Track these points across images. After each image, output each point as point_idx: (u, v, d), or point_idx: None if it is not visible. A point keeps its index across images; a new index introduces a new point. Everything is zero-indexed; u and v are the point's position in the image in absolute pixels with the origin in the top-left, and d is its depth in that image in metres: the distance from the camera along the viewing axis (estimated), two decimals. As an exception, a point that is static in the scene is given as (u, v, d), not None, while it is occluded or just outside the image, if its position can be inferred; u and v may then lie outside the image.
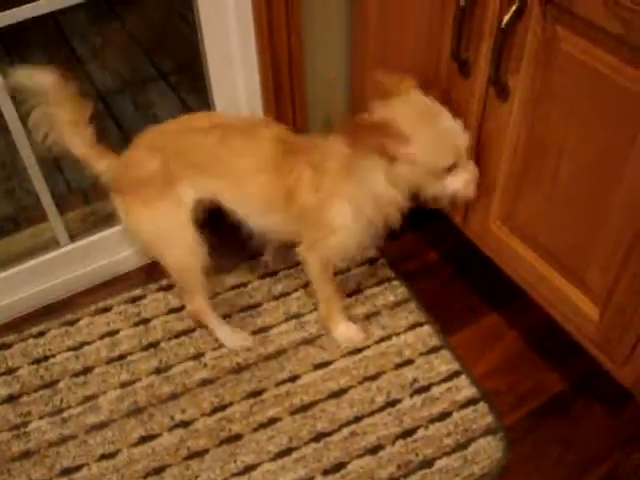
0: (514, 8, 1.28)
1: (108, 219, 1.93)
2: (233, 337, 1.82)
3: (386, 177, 1.44)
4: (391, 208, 1.52)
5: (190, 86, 2.66)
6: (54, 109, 1.52)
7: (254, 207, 1.64)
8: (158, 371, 1.78)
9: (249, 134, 1.58)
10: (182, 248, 1.64)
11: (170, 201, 1.59)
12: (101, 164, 1.62)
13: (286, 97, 1.94)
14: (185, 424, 1.67)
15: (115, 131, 2.48)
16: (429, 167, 1.42)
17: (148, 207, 1.60)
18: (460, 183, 1.48)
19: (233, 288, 1.95)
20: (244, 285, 1.96)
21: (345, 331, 1.82)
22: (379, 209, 1.52)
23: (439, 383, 1.73)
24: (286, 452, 1.62)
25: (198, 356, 1.80)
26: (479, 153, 1.57)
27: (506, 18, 1.30)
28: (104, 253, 1.95)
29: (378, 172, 1.44)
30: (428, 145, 1.40)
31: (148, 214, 1.61)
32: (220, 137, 1.56)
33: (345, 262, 1.81)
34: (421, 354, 1.79)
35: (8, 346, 1.84)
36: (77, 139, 1.58)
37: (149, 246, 1.71)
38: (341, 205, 1.54)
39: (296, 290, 1.94)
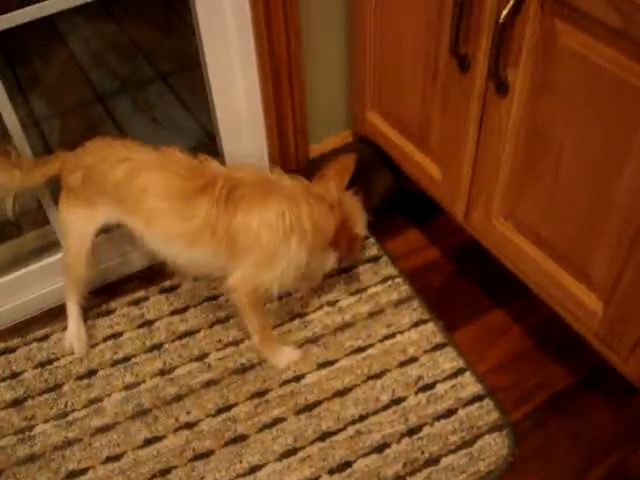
0: (512, 2, 1.28)
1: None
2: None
3: None
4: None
5: (189, 87, 2.66)
6: None
7: (177, 244, 1.63)
8: (162, 373, 1.78)
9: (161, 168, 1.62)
10: (77, 256, 1.74)
11: (84, 214, 1.70)
12: (53, 169, 1.70)
13: (286, 98, 1.94)
14: (190, 425, 1.67)
15: (116, 133, 2.48)
16: None
17: (70, 208, 1.71)
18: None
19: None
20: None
21: (283, 356, 1.78)
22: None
23: (444, 380, 1.72)
24: (292, 452, 1.62)
25: (202, 357, 1.80)
26: (480, 149, 1.57)
27: (504, 12, 1.30)
28: (107, 255, 1.95)
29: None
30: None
31: (68, 214, 1.72)
32: (128, 171, 1.60)
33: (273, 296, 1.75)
34: (425, 352, 1.78)
35: (12, 350, 1.84)
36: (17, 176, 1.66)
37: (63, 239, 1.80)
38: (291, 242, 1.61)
39: (297, 291, 1.94)
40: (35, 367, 1.80)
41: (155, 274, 1.99)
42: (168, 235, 1.62)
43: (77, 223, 1.72)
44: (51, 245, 1.93)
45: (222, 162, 2.07)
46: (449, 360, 1.76)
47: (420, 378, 1.73)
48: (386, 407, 1.68)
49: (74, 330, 1.84)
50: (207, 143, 2.35)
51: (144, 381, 1.76)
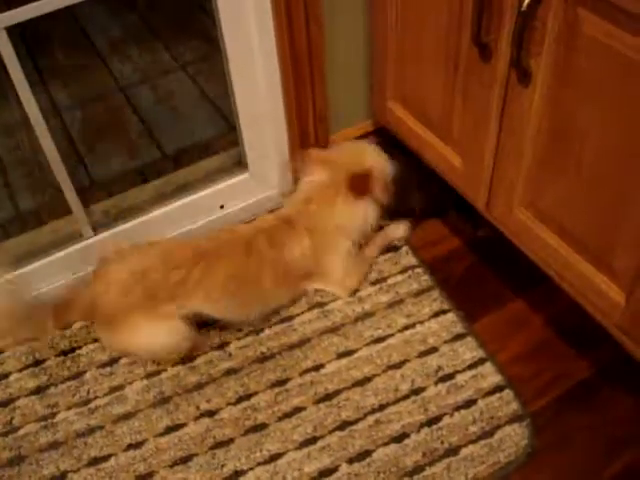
0: (535, -10, 1.27)
1: (130, 211, 1.96)
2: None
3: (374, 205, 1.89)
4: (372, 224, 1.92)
5: (209, 77, 2.66)
6: None
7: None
8: (183, 361, 1.78)
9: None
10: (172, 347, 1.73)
11: (168, 324, 1.69)
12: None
13: (306, 87, 1.94)
14: (211, 413, 1.68)
15: (136, 122, 2.50)
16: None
17: (143, 322, 1.68)
18: None
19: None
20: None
21: (395, 232, 2.01)
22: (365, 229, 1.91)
23: (464, 371, 1.72)
24: (311, 441, 1.62)
25: (223, 346, 1.81)
26: (501, 138, 1.56)
27: (527, 0, 1.28)
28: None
29: (370, 206, 1.88)
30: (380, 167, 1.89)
31: (146, 328, 1.69)
32: (205, 266, 1.70)
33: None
34: (445, 342, 1.78)
35: (35, 338, 1.86)
36: None
37: (140, 351, 1.76)
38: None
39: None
40: (58, 355, 1.82)
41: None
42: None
43: (161, 336, 1.71)
44: (72, 234, 1.95)
45: (243, 152, 2.08)
46: (469, 350, 1.76)
47: (440, 368, 1.73)
48: (406, 397, 1.68)
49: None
50: (227, 133, 2.36)
51: (165, 369, 1.77)
